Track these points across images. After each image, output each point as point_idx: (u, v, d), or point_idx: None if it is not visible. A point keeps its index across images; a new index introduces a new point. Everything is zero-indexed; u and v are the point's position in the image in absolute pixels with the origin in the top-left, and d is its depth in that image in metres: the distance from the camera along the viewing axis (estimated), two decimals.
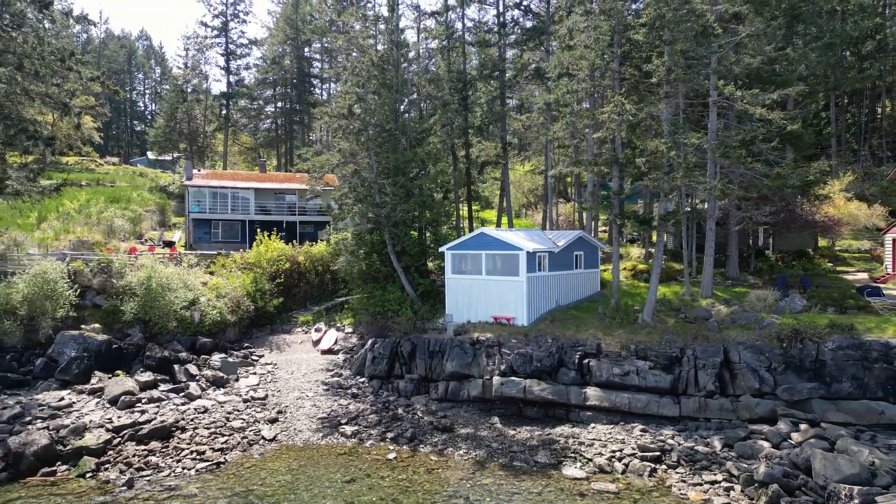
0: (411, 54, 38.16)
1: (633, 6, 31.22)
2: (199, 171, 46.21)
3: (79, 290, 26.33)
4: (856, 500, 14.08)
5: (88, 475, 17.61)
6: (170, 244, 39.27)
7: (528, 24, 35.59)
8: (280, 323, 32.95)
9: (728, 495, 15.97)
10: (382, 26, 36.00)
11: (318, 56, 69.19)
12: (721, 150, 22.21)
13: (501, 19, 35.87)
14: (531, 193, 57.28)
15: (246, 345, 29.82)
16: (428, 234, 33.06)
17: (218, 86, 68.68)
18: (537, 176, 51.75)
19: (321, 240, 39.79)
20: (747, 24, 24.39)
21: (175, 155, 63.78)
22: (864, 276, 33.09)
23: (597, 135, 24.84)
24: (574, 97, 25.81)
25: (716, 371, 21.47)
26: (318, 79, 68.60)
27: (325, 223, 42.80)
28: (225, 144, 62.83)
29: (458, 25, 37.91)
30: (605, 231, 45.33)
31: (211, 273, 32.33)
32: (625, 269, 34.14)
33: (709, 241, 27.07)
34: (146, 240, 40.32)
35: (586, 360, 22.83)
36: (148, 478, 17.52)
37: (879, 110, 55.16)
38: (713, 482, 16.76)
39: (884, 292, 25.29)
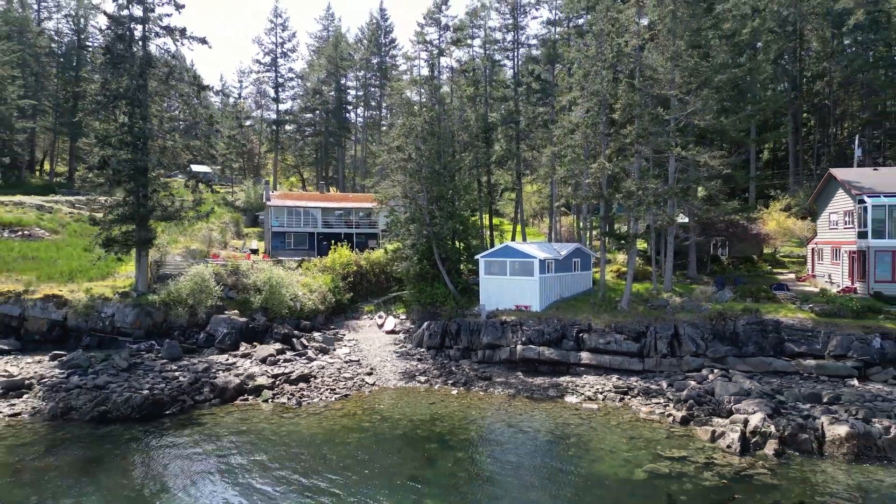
0: (447, 100, 48.64)
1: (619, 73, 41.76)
2: (274, 191, 56.79)
3: (221, 286, 36.95)
4: (731, 403, 24.65)
5: (269, 400, 28.21)
6: (255, 251, 49.90)
7: (537, 86, 46.21)
8: (351, 312, 43.57)
9: (665, 408, 26.49)
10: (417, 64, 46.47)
11: (353, 84, 79.65)
12: (671, 191, 32.85)
13: (517, 79, 46.48)
14: (539, 205, 67.80)
15: (332, 327, 40.46)
16: (461, 245, 43.65)
17: (264, 110, 78.62)
18: (545, 191, 62.31)
19: (370, 248, 50.43)
20: (696, 98, 34.86)
21: (216, 167, 74.20)
22: (793, 276, 43.74)
23: (588, 181, 35.33)
24: (572, 150, 36.37)
25: (668, 340, 32.01)
26: (353, 105, 79.18)
27: (372, 234, 53.41)
28: (275, 164, 73.52)
29: (482, 78, 48.52)
30: (599, 240, 55.87)
31: (300, 274, 42.93)
32: (612, 270, 44.72)
33: (669, 251, 37.66)
34: (235, 248, 50.92)
35: (581, 334, 33.40)
36: (306, 401, 28.14)
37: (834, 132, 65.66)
38: (657, 403, 27.27)
39: (788, 288, 35.89)
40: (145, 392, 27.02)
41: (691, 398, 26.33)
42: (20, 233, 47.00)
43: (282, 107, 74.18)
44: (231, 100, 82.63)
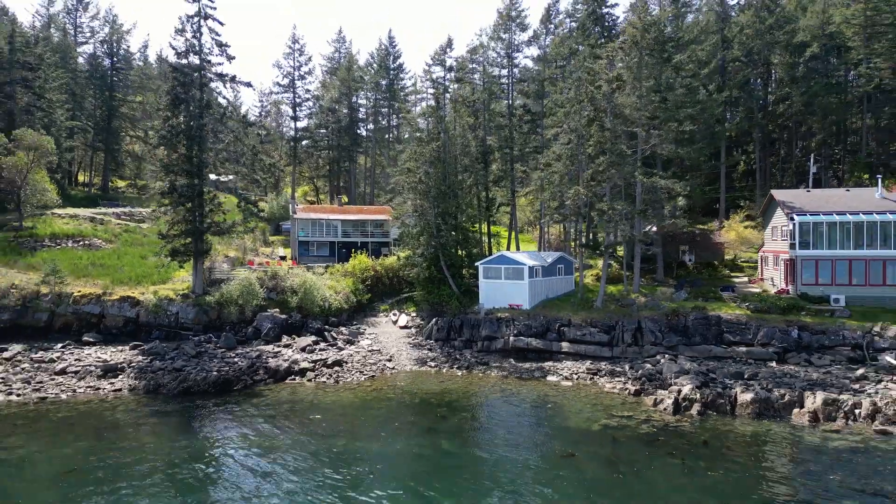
0: (451, 129, 55.99)
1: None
2: (299, 206, 64.17)
3: (264, 289, 44.36)
4: (672, 379, 32.06)
5: (311, 380, 35.57)
6: (283, 258, 57.28)
7: (527, 118, 53.51)
8: (369, 310, 50.89)
9: (624, 385, 33.82)
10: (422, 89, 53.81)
11: (363, 101, 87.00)
12: (634, 211, 40.29)
13: (511, 110, 53.79)
14: (532, 215, 75.11)
15: (354, 323, 47.82)
16: (463, 253, 51.01)
17: (283, 127, 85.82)
18: (536, 204, 69.72)
19: (384, 255, 57.79)
20: (657, 133, 42.20)
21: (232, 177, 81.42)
22: (746, 279, 51.15)
23: (568, 202, 42.71)
24: (557, 175, 43.78)
25: (632, 333, 39.38)
26: (364, 121, 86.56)
27: (384, 243, 60.76)
28: (294, 177, 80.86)
29: (481, 107, 55.92)
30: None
31: (327, 278, 50.32)
32: (592, 275, 52.09)
33: (637, 259, 45.09)
34: (266, 255, 58.28)
35: (562, 328, 40.77)
36: (341, 380, 35.52)
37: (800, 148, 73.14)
38: (619, 381, 34.59)
39: (733, 290, 43.36)
40: (215, 373, 34.45)
41: (644, 376, 33.76)
42: (81, 243, 54.32)
43: (299, 124, 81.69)
44: (251, 117, 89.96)
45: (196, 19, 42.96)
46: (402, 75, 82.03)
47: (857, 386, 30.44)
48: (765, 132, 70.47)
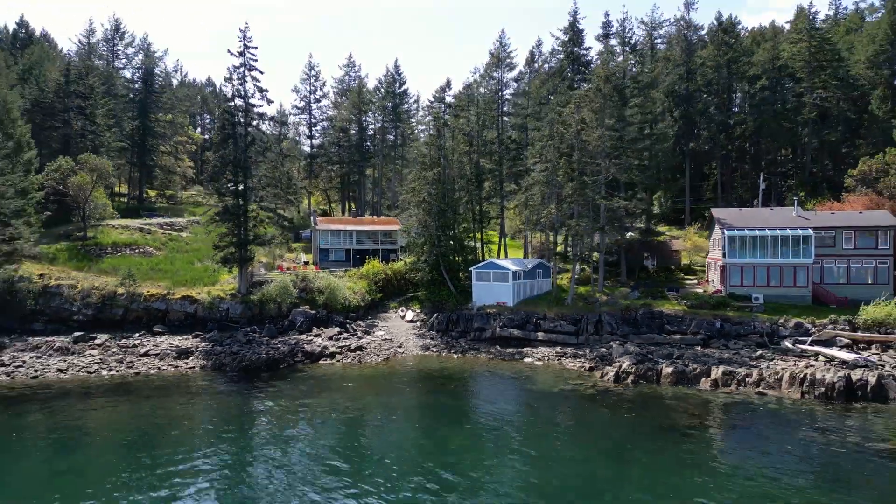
0: (451, 155, 66.02)
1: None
2: (319, 217, 74.09)
3: (296, 289, 54.27)
4: (617, 357, 41.97)
5: (339, 361, 45.47)
6: (307, 263, 67.20)
7: (513, 147, 63.53)
8: (381, 308, 60.73)
9: (582, 363, 43.69)
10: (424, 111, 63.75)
11: (371, 120, 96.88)
12: (595, 228, 50.27)
13: (500, 139, 63.74)
14: (520, 224, 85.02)
15: (369, 318, 57.70)
16: (459, 259, 60.87)
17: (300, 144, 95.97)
18: (521, 216, 79.72)
19: (392, 260, 67.63)
20: (615, 162, 52.01)
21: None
22: (696, 281, 61.04)
23: (543, 219, 52.58)
24: (534, 197, 53.68)
25: (594, 324, 49.24)
26: (372, 139, 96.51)
27: (392, 250, 70.62)
28: (309, 191, 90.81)
29: (475, 134, 65.88)
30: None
31: (346, 280, 60.28)
32: (567, 277, 61.95)
33: (601, 265, 55.02)
34: (291, 261, 68.13)
35: (538, 321, 50.62)
36: (363, 361, 45.39)
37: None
38: (579, 361, 44.42)
39: (678, 290, 53.29)
40: (264, 355, 44.38)
41: (598, 357, 43.65)
42: (137, 250, 64.24)
43: (314, 142, 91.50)
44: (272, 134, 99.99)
45: (241, 69, 52.88)
46: (406, 99, 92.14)
47: (754, 363, 40.32)
48: (726, 151, 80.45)
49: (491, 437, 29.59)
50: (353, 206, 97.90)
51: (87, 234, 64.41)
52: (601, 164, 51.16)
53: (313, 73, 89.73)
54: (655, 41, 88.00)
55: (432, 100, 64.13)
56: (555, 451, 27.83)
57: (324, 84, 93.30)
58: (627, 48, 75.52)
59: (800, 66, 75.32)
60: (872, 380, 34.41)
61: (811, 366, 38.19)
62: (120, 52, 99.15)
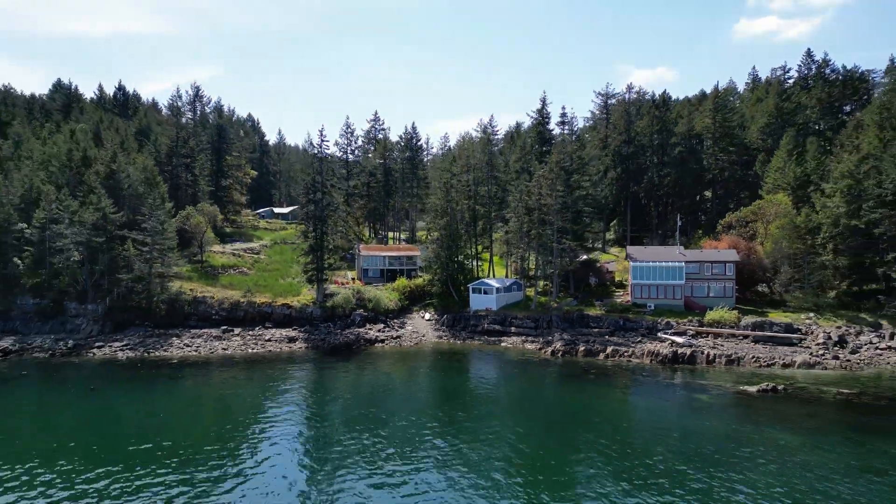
0: (456, 206, 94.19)
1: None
2: (361, 245, 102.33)
3: (354, 298, 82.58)
4: (555, 342, 70.39)
5: (386, 344, 73.82)
6: (354, 279, 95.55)
7: (498, 199, 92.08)
8: (408, 311, 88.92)
9: (535, 345, 71.96)
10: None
11: (393, 165, 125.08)
12: (549, 259, 78.64)
13: (490, 192, 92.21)
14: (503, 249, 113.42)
15: (401, 318, 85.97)
16: (462, 277, 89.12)
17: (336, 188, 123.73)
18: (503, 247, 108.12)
19: (414, 277, 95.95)
20: (565, 214, 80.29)
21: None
22: (622, 293, 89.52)
23: (516, 251, 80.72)
24: (511, 236, 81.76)
25: (548, 322, 77.52)
26: (394, 179, 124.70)
27: (413, 269, 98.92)
28: (345, 222, 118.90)
29: (472, 187, 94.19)
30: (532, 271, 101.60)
31: (384, 291, 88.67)
32: (532, 291, 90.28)
33: (555, 282, 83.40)
34: (340, 277, 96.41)
35: (512, 320, 78.94)
36: (402, 345, 73.83)
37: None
38: (535, 344, 72.68)
39: (602, 300, 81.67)
40: (342, 341, 72.83)
41: (545, 342, 71.94)
42: (238, 270, 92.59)
43: (350, 182, 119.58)
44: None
45: (317, 158, 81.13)
46: (419, 153, 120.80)
47: (633, 345, 68.52)
48: (655, 197, 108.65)
49: (477, 380, 57.98)
50: (378, 230, 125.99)
51: (202, 258, 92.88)
52: (553, 218, 79.44)
53: (349, 129, 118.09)
54: (610, 104, 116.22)
55: (440, 157, 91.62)
56: (512, 386, 56.24)
57: (357, 138, 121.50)
58: (574, 136, 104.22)
59: (708, 136, 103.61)
60: (688, 353, 62.82)
61: (661, 345, 66.64)
62: (197, 109, 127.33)
